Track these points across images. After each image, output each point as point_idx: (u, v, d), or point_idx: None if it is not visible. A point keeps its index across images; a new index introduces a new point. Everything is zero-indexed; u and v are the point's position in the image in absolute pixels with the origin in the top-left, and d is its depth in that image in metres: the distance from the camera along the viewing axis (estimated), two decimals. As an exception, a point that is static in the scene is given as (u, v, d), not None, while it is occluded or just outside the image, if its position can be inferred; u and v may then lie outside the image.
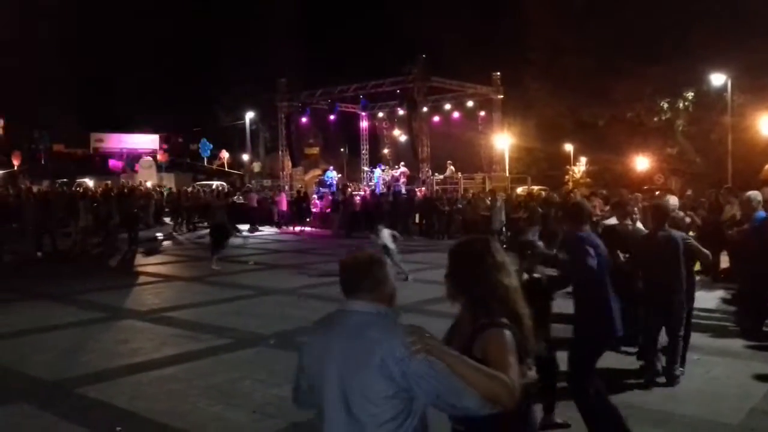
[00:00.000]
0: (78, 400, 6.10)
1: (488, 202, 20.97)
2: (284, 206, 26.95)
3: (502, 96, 30.14)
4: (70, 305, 10.60)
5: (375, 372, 2.19)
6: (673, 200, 8.36)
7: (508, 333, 2.47)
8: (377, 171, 29.84)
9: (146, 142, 52.25)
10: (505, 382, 2.26)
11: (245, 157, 48.12)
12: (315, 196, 28.32)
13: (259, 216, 26.28)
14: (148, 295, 11.72)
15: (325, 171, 31.40)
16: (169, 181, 42.27)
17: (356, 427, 2.23)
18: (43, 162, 49.51)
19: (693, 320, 8.76)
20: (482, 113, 30.92)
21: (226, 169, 49.79)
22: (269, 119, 42.23)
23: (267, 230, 25.48)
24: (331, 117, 32.07)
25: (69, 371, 6.94)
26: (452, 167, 28.33)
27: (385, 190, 27.20)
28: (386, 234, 12.42)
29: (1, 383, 6.65)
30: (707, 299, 10.46)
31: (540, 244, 5.46)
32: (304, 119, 32.02)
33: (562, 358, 5.17)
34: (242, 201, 28.43)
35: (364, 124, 34.52)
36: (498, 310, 2.54)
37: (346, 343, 2.28)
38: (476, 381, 2.21)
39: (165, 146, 51.67)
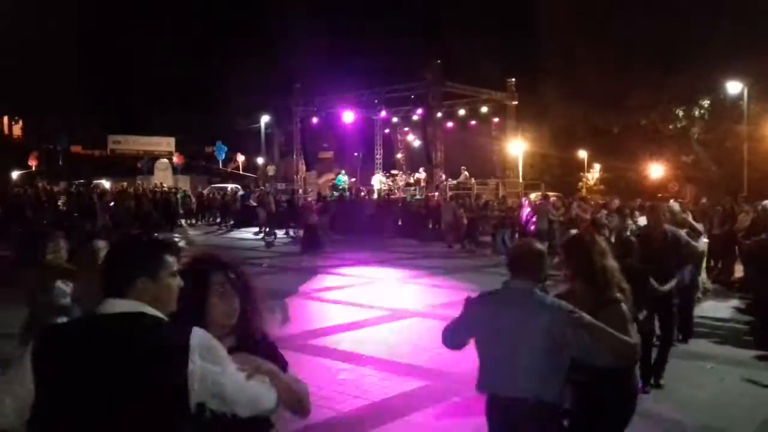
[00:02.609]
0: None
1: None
2: (273, 209, 26.36)
3: (516, 102, 30.14)
4: (86, 305, 10.70)
5: (541, 332, 2.92)
6: (675, 206, 8.67)
7: (624, 306, 3.26)
8: (377, 176, 30.03)
9: (162, 144, 52.77)
10: (631, 345, 3.08)
11: (260, 160, 48.34)
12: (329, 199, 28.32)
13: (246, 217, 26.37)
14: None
15: (337, 174, 31.49)
16: (185, 184, 42.57)
17: (524, 375, 2.95)
18: (60, 163, 50.05)
19: (705, 329, 8.78)
20: (496, 119, 30.94)
21: (241, 172, 50.05)
22: (284, 123, 42.41)
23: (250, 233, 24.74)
24: (346, 121, 32.23)
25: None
26: (466, 172, 28.32)
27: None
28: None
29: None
30: (721, 308, 10.42)
31: None
32: (318, 123, 32.17)
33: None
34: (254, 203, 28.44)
35: (378, 128, 34.65)
36: (611, 287, 3.31)
37: (519, 309, 3.01)
38: (612, 344, 2.98)
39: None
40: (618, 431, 3.43)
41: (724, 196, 16.24)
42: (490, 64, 33.28)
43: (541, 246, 3.23)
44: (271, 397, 2.00)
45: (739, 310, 10.31)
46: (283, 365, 2.21)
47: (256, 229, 24.09)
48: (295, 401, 2.14)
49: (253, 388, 1.96)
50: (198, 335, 1.89)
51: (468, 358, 7.17)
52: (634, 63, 30.79)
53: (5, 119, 54.29)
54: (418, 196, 26.68)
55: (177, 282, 2.04)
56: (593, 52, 32.17)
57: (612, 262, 3.43)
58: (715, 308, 10.38)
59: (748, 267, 11.37)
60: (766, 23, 26.43)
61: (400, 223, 24.06)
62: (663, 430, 5.32)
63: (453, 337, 3.33)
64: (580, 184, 36.44)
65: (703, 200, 17.51)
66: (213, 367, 1.86)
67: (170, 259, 2.03)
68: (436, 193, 25.94)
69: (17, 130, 56.08)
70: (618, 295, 3.31)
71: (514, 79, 29.82)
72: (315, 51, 47.99)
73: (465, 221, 19.87)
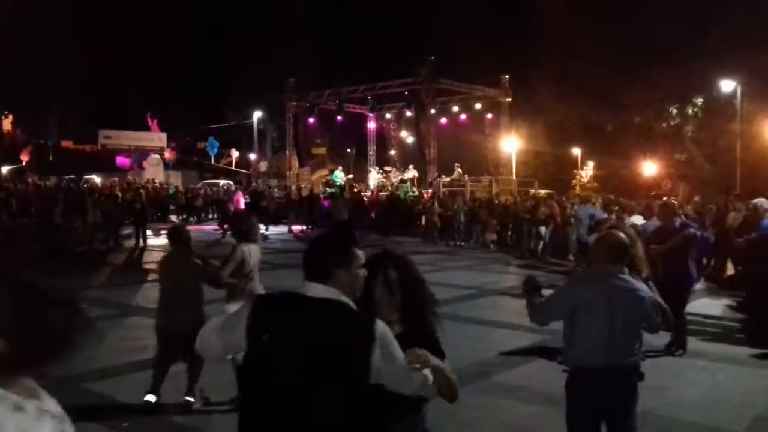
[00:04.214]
0: (84, 395, 6.14)
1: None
2: (241, 205, 25.46)
3: (510, 99, 30.14)
4: (78, 302, 10.63)
5: (638, 308, 3.61)
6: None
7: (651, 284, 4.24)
8: (373, 173, 30.06)
9: (154, 139, 52.45)
10: (669, 310, 4.15)
11: (252, 156, 48.18)
12: (322, 196, 28.21)
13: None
14: (156, 292, 11.72)
15: (332, 171, 31.43)
16: (176, 179, 42.38)
17: (628, 345, 3.60)
18: (51, 158, 49.75)
19: (697, 327, 8.82)
20: (490, 116, 30.94)
21: (233, 168, 49.89)
22: (277, 119, 42.31)
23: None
24: (339, 117, 32.18)
25: (76, 367, 6.91)
26: (459, 169, 28.30)
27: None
28: None
29: (9, 377, 6.67)
30: (713, 306, 10.46)
31: None
32: (311, 119, 32.11)
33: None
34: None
35: (371, 125, 34.61)
36: (643, 267, 4.36)
37: (617, 289, 3.59)
38: (665, 313, 3.97)
39: (173, 144, 51.77)
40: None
41: (718, 195, 16.31)
42: (485, 60, 33.28)
43: (623, 237, 3.78)
44: (427, 387, 2.30)
45: (730, 307, 10.36)
46: (442, 358, 2.45)
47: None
48: (450, 390, 2.45)
49: (412, 378, 2.26)
50: (380, 327, 2.22)
51: (466, 356, 7.21)
52: (629, 61, 30.86)
53: (-5, 113, 53.98)
54: (410, 194, 26.66)
55: (363, 273, 2.37)
56: (587, 50, 32.22)
57: (640, 251, 4.43)
58: (707, 306, 10.42)
59: (739, 265, 11.43)
60: (760, 22, 26.53)
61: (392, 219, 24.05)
62: (655, 428, 5.31)
63: (548, 311, 3.79)
64: (574, 181, 36.49)
65: (696, 198, 17.58)
66: (386, 355, 2.19)
67: (359, 252, 2.36)
68: (430, 190, 25.95)
69: (7, 124, 55.76)
70: (644, 273, 4.26)
71: (508, 76, 29.83)
72: (308, 46, 47.91)
73: (437, 218, 20.38)
